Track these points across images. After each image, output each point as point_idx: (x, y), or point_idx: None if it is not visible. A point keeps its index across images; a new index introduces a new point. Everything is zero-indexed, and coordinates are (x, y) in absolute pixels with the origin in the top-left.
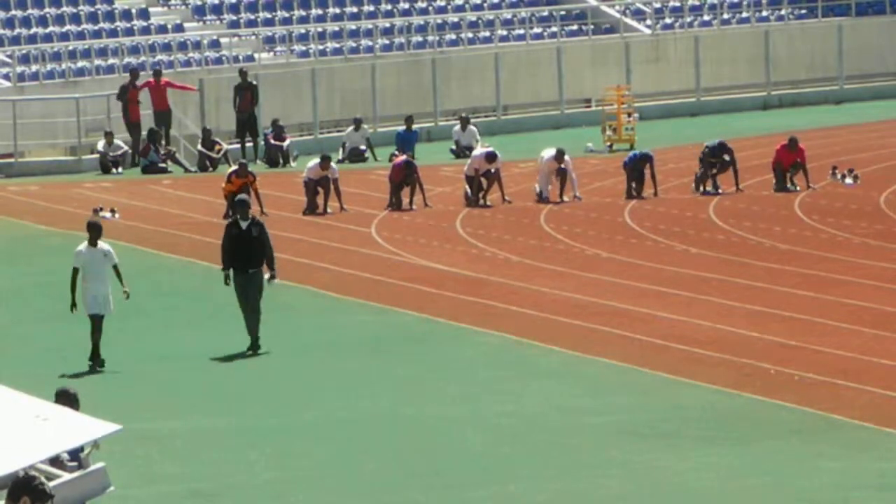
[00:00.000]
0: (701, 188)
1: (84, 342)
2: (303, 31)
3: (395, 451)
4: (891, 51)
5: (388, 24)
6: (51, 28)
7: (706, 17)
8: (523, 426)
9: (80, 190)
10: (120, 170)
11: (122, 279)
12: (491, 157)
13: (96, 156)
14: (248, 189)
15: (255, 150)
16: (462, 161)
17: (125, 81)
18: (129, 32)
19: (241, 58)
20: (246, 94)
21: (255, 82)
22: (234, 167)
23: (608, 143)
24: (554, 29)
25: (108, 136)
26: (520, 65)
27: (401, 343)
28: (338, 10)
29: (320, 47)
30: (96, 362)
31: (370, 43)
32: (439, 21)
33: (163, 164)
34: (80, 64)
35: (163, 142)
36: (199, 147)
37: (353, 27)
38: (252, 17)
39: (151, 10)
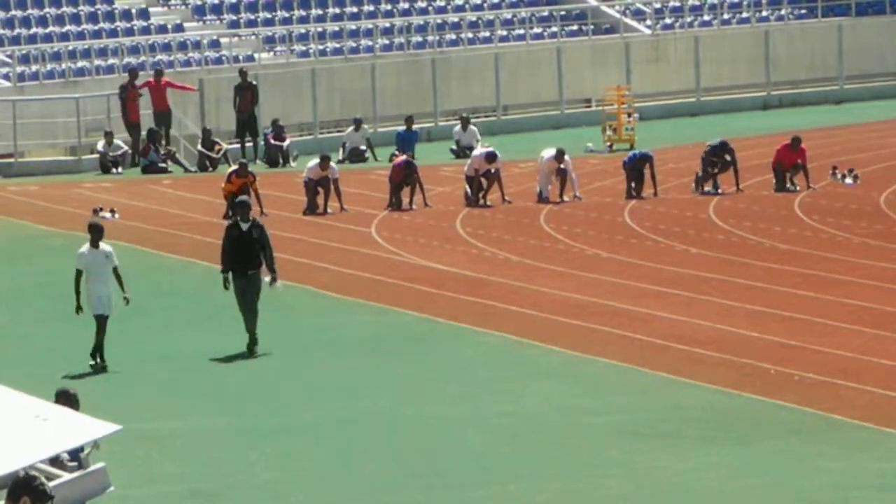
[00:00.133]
0: (701, 188)
1: (84, 342)
2: (303, 31)
3: (395, 451)
4: (891, 51)
5: (388, 24)
6: (51, 28)
7: (706, 17)
8: (523, 426)
9: (80, 190)
10: (120, 170)
11: (122, 284)
12: (491, 157)
13: (96, 156)
14: (248, 189)
15: (255, 150)
16: (462, 161)
17: (124, 81)
18: (129, 32)
19: (241, 58)
20: (246, 94)
21: (255, 82)
22: (235, 167)
23: (608, 143)
24: (554, 29)
25: (108, 136)
26: (520, 65)
27: (401, 343)
28: (338, 10)
29: (320, 47)
30: (99, 361)
31: (370, 43)
32: (439, 21)
33: (163, 164)
34: (80, 64)
35: (163, 142)
36: (199, 147)
37: (353, 27)
38: (252, 17)
39: (151, 10)
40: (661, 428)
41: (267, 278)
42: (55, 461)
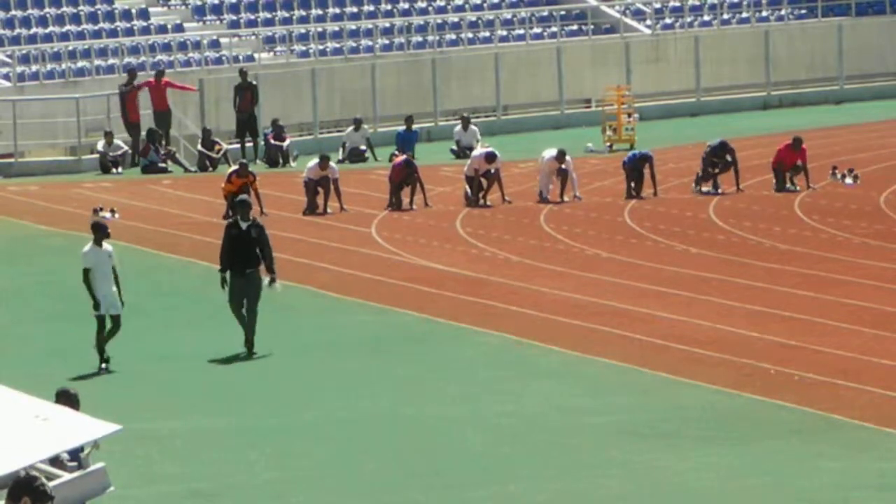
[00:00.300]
0: (701, 188)
1: (84, 342)
2: (303, 31)
3: (395, 451)
4: (891, 51)
5: (388, 24)
6: (51, 28)
7: (706, 17)
8: (523, 426)
9: (80, 190)
10: (120, 170)
11: (119, 287)
12: (491, 157)
13: (96, 156)
14: (248, 189)
15: (255, 150)
16: (462, 161)
17: (123, 81)
18: (129, 32)
19: (241, 58)
20: (246, 94)
21: (255, 82)
22: (235, 167)
23: (608, 143)
24: (554, 29)
25: (108, 136)
26: (520, 65)
27: (401, 343)
28: (338, 10)
29: (320, 47)
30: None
31: (370, 43)
32: (439, 21)
33: (163, 164)
34: (80, 64)
35: (163, 142)
36: (199, 147)
37: (353, 27)
38: (252, 17)
39: (151, 10)
40: (661, 428)
41: (266, 279)
42: (55, 461)
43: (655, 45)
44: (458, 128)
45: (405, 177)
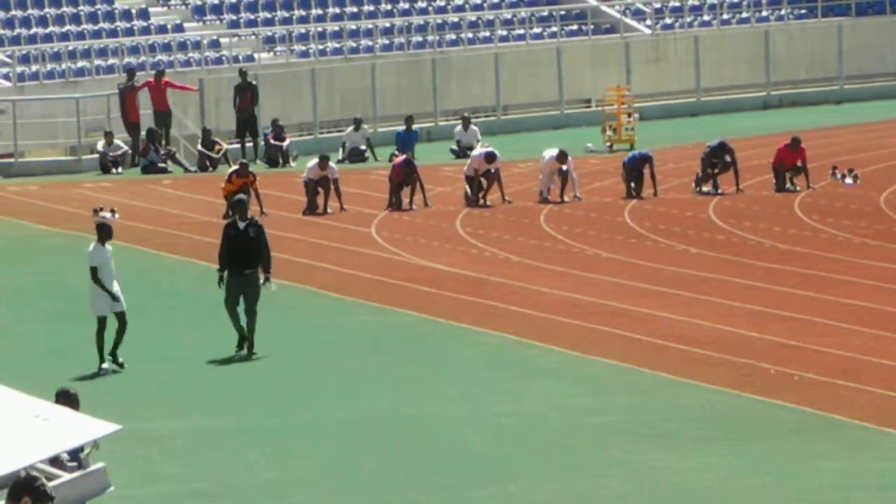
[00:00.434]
0: (701, 188)
1: (84, 342)
2: (303, 31)
3: (395, 451)
4: (891, 51)
5: (388, 24)
6: (51, 28)
7: (706, 17)
8: (523, 426)
9: (80, 190)
10: (120, 170)
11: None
12: (490, 157)
13: (96, 156)
14: (249, 189)
15: (255, 150)
16: (462, 161)
17: (122, 81)
18: (129, 32)
19: (241, 58)
20: (246, 94)
21: (255, 82)
22: (235, 167)
23: (608, 143)
24: (554, 29)
25: (108, 136)
26: (520, 65)
27: (401, 343)
28: (338, 10)
29: (320, 47)
30: (111, 360)
31: (370, 43)
32: (439, 21)
33: (163, 164)
34: (80, 64)
35: (163, 142)
36: (199, 147)
37: (353, 27)
38: (252, 17)
39: (151, 10)
40: (661, 428)
41: (262, 279)
42: (55, 461)
43: (655, 45)
44: (459, 128)
45: (405, 177)
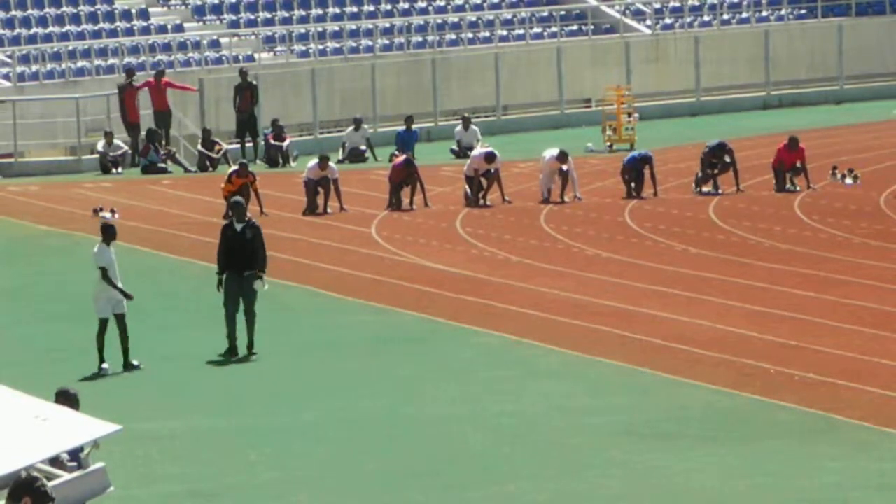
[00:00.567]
0: (701, 189)
1: (83, 342)
2: (303, 31)
3: (395, 451)
4: (891, 51)
5: (388, 24)
6: (51, 28)
7: (706, 17)
8: (523, 426)
9: (80, 190)
10: (120, 170)
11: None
12: (490, 157)
13: (96, 156)
14: (249, 189)
15: (255, 150)
16: (462, 161)
17: (121, 81)
18: (129, 32)
19: (241, 58)
20: (246, 94)
21: (255, 82)
22: (235, 167)
23: (608, 143)
24: (554, 29)
25: (108, 136)
26: (520, 65)
27: (401, 343)
28: (338, 10)
29: (320, 47)
30: (127, 364)
31: (370, 43)
32: (439, 21)
33: (163, 164)
34: (80, 64)
35: (163, 142)
36: (199, 147)
37: (353, 27)
38: (252, 17)
39: (151, 10)
40: (661, 428)
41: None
42: (55, 461)
43: (655, 45)
44: (459, 127)
45: (405, 177)
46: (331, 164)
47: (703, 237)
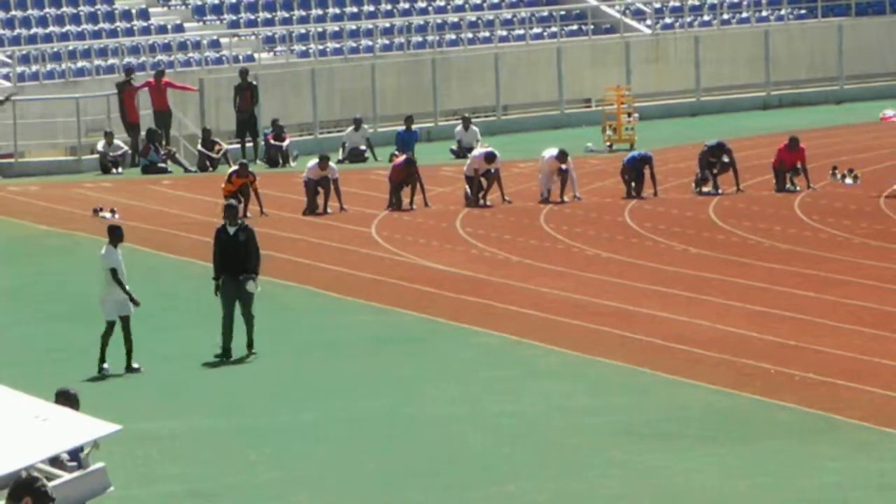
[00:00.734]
0: (701, 189)
1: (83, 342)
2: (303, 31)
3: (395, 451)
4: (891, 51)
5: (388, 24)
6: (51, 28)
7: (706, 17)
8: (523, 426)
9: (80, 190)
10: (120, 170)
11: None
12: (490, 157)
13: (96, 156)
14: (248, 189)
15: (255, 150)
16: (462, 161)
17: (120, 80)
18: (129, 32)
19: (241, 58)
20: (246, 94)
21: (255, 82)
22: (235, 167)
23: (608, 143)
24: (554, 29)
25: (108, 136)
26: (520, 65)
27: (401, 343)
28: (338, 10)
29: (320, 47)
30: (129, 367)
31: (370, 43)
32: (439, 21)
33: (163, 164)
34: (80, 64)
35: (163, 142)
36: (199, 147)
37: (353, 27)
38: (252, 17)
39: (151, 10)
40: (661, 428)
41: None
42: (55, 461)
43: (655, 44)
44: (459, 128)
45: (405, 177)
46: (331, 164)
47: (703, 237)
